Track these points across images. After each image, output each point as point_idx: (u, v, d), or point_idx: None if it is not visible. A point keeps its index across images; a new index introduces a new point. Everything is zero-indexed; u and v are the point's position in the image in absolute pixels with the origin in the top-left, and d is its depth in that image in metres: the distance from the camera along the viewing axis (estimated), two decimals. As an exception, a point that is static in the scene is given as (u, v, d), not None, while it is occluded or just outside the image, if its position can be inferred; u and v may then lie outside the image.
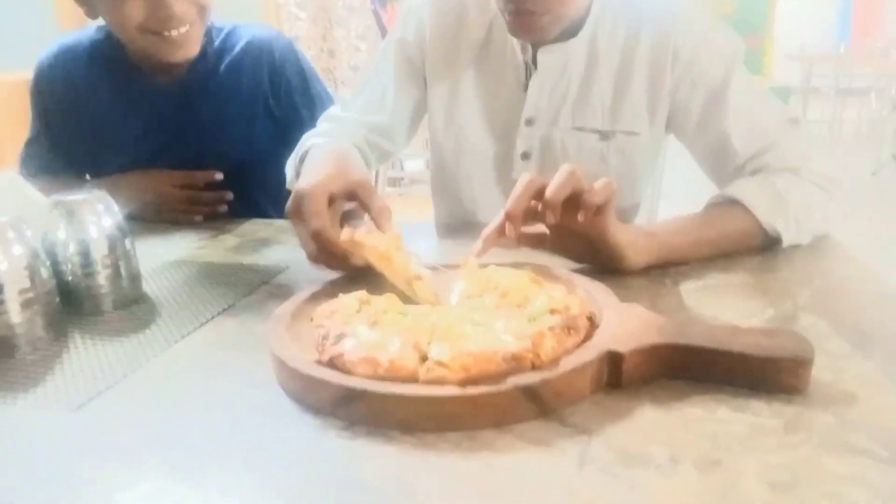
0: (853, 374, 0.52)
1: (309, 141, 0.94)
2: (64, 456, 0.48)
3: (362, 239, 0.66)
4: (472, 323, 0.54)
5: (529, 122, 0.96)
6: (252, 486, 0.43)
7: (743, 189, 0.80)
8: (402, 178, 3.84)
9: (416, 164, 3.95)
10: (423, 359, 0.50)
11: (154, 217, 1.10)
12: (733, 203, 0.79)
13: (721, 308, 0.66)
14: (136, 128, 1.17)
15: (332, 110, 1.06)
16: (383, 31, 5.11)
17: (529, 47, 0.93)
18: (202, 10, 1.06)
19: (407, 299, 0.63)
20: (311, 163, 0.80)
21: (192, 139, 1.16)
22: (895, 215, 4.11)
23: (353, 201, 0.74)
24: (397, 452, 0.46)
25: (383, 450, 0.46)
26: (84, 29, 1.19)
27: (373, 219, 0.71)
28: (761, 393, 0.50)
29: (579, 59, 0.92)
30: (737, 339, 0.52)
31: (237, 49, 1.17)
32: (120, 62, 1.15)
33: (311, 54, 4.72)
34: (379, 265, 0.67)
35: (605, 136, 0.93)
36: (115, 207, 0.75)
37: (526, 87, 0.95)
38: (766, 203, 0.78)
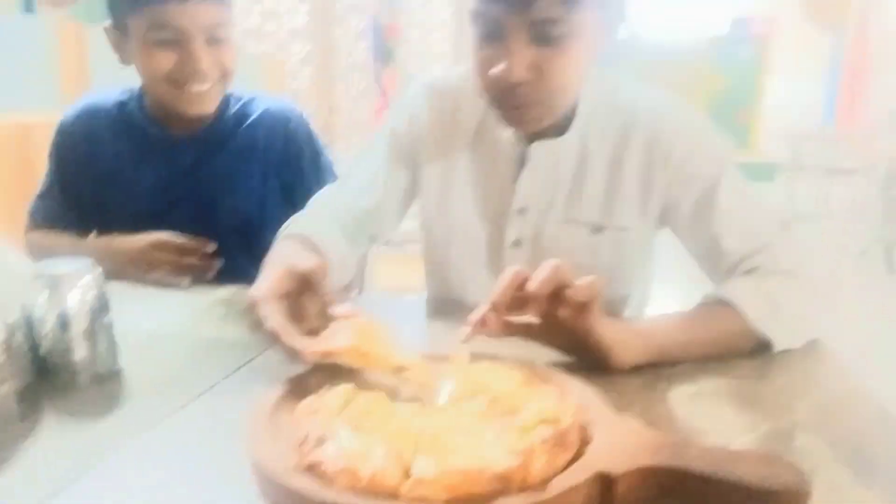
0: (849, 498, 0.51)
1: (288, 225, 0.95)
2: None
3: (330, 349, 0.65)
4: (460, 432, 0.52)
5: (521, 212, 0.96)
6: None
7: (735, 291, 0.79)
8: (397, 239, 3.85)
9: (410, 223, 3.97)
10: (407, 472, 0.48)
11: (140, 278, 1.09)
12: (725, 305, 0.79)
13: (715, 420, 0.64)
14: (150, 179, 1.22)
15: (322, 194, 1.06)
16: (382, 91, 5.21)
17: (523, 140, 0.94)
18: (225, 74, 1.14)
19: (394, 393, 0.61)
20: (266, 266, 0.79)
21: (206, 193, 1.22)
22: (879, 293, 4.15)
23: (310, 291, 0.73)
24: (374, 578, 0.43)
25: (360, 574, 0.43)
26: (108, 90, 1.27)
27: (326, 304, 0.71)
28: (757, 523, 0.48)
29: (570, 154, 0.93)
30: (734, 466, 0.50)
31: (255, 115, 1.25)
32: (140, 120, 1.23)
33: (310, 109, 4.79)
34: (360, 363, 0.65)
35: (596, 229, 0.93)
36: (100, 279, 0.73)
37: (517, 179, 0.95)
38: (758, 307, 0.77)
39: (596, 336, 0.70)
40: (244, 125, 1.24)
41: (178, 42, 1.08)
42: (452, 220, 1.01)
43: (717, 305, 0.79)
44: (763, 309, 0.77)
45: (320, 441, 0.51)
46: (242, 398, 0.66)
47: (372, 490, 0.46)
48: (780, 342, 0.78)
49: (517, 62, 0.79)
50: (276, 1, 4.30)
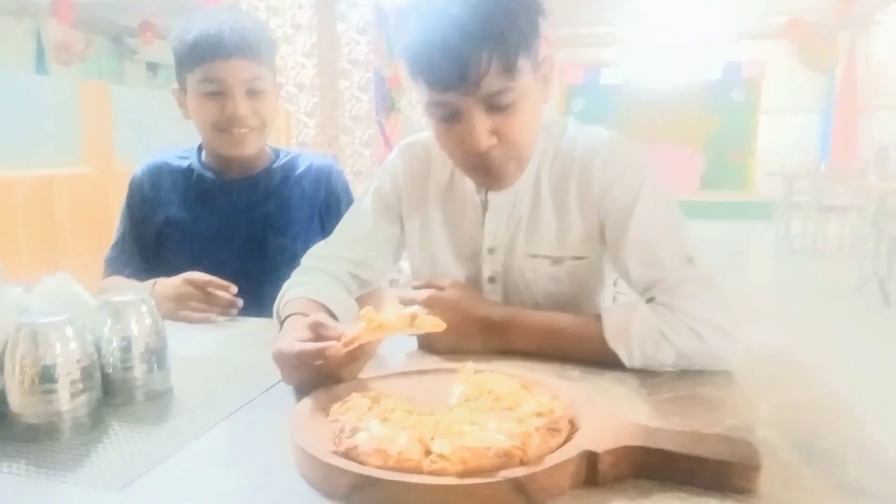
0: (797, 480, 0.61)
1: (288, 288, 1.08)
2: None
3: (351, 335, 0.76)
4: (469, 422, 0.62)
5: (491, 251, 1.08)
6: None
7: (609, 309, 0.92)
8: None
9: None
10: (427, 452, 0.58)
11: (170, 316, 1.20)
12: (599, 318, 0.91)
13: (687, 418, 0.75)
14: (208, 221, 1.41)
15: (317, 248, 1.17)
16: (386, 140, 5.40)
17: (483, 189, 1.06)
18: (263, 121, 1.37)
19: (412, 401, 0.72)
20: (285, 326, 0.95)
21: (258, 232, 1.42)
22: (876, 329, 4.23)
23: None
24: (403, 535, 0.53)
25: (391, 532, 0.53)
26: (171, 150, 1.51)
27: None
28: (717, 493, 0.58)
29: (525, 196, 1.05)
30: (697, 445, 0.60)
31: (302, 168, 1.48)
32: (199, 169, 1.45)
33: (316, 158, 4.95)
34: (380, 335, 0.77)
35: (555, 261, 1.04)
36: (155, 308, 0.85)
37: (483, 222, 1.07)
38: (615, 326, 0.88)
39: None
40: (293, 175, 1.46)
41: (222, 93, 1.31)
42: (435, 263, 1.13)
43: (595, 317, 0.91)
44: (620, 329, 0.88)
45: (354, 431, 0.62)
46: (275, 412, 0.77)
47: (399, 466, 0.57)
48: (627, 360, 0.88)
49: (480, 133, 0.91)
50: (284, 57, 4.51)
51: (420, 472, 0.57)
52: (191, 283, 1.24)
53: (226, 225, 1.42)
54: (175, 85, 1.39)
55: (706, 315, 0.87)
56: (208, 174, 1.44)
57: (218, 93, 1.31)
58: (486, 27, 0.85)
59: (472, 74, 0.86)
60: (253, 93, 1.33)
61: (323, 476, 0.59)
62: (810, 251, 6.66)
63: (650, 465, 0.60)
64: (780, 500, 0.57)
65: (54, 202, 2.59)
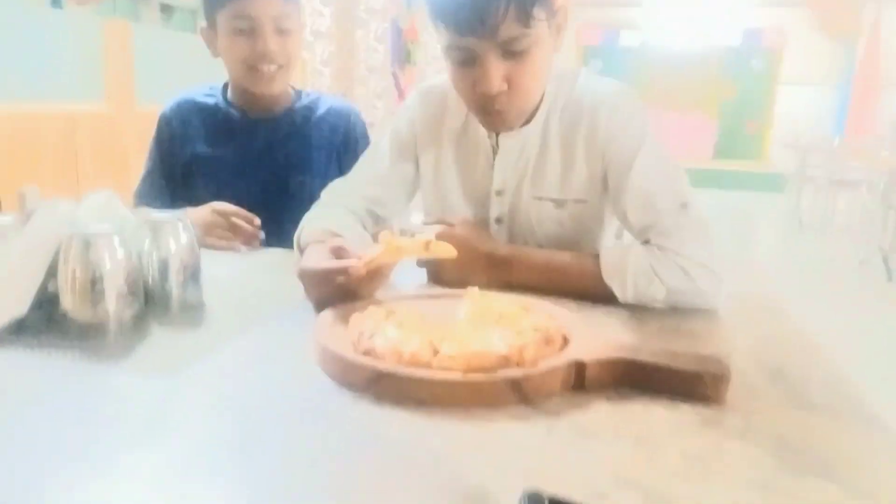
0: (762, 395, 0.69)
1: (309, 220, 1.15)
2: (160, 411, 0.64)
3: (371, 256, 0.84)
4: (474, 332, 0.70)
5: (499, 193, 1.15)
6: (300, 438, 0.59)
7: (607, 249, 1.00)
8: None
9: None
10: (436, 353, 0.66)
11: (202, 242, 1.28)
12: (597, 256, 0.98)
13: (670, 344, 0.82)
14: (232, 157, 1.49)
15: (335, 183, 1.24)
16: (400, 92, 5.41)
17: (494, 134, 1.13)
18: (289, 59, 1.43)
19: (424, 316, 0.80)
20: (307, 251, 1.01)
21: (280, 170, 1.49)
22: (876, 303, 4.30)
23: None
24: (413, 419, 0.61)
25: (402, 416, 0.62)
26: (198, 87, 1.56)
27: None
28: (690, 400, 0.66)
29: (534, 142, 1.11)
30: (673, 359, 0.68)
31: (322, 110, 1.55)
32: (224, 107, 1.51)
33: (331, 108, 4.98)
34: (398, 257, 0.85)
35: (559, 203, 1.12)
36: (191, 227, 0.92)
37: (493, 165, 1.14)
38: (612, 264, 0.96)
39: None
40: (314, 117, 1.53)
41: (252, 30, 1.36)
42: (446, 203, 1.20)
43: (593, 255, 0.99)
44: (615, 267, 0.96)
45: (371, 335, 0.70)
46: (298, 324, 0.85)
47: (412, 363, 0.65)
48: (620, 295, 0.96)
49: (494, 77, 0.97)
50: (301, 5, 4.51)
51: (430, 368, 0.65)
52: (218, 212, 1.32)
53: (249, 162, 1.49)
54: (203, 24, 1.45)
55: (695, 256, 0.94)
56: (233, 112, 1.51)
57: (248, 29, 1.36)
58: None
59: (490, 20, 0.92)
60: (281, 30, 1.38)
61: (343, 371, 0.68)
62: (819, 226, 6.68)
63: (631, 375, 0.68)
64: (743, 410, 0.65)
65: (77, 138, 2.66)
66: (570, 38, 10.76)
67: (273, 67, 1.40)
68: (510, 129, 1.09)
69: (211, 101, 1.53)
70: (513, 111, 1.04)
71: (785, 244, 6.31)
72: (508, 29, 0.93)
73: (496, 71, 0.97)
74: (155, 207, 1.45)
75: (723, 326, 0.92)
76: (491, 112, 1.04)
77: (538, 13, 0.94)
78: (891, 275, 4.66)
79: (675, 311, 0.95)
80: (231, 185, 1.46)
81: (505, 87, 0.98)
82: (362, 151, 1.46)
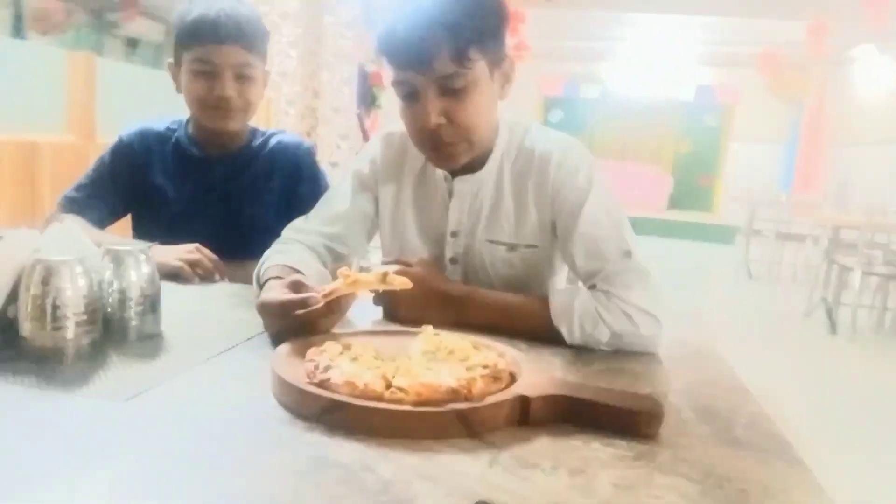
0: (693, 433, 0.73)
1: (269, 256, 1.17)
2: (115, 434, 0.65)
3: (330, 288, 0.88)
4: (426, 367, 0.74)
5: (454, 235, 1.21)
6: (253, 463, 0.61)
7: (556, 292, 1.06)
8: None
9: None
10: (388, 386, 0.69)
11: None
12: (546, 300, 1.04)
13: (612, 384, 0.87)
14: (188, 191, 1.53)
15: (297, 222, 1.28)
16: (364, 134, 5.48)
17: (450, 177, 1.18)
18: (248, 104, 1.49)
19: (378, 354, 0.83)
20: (266, 287, 1.05)
21: (233, 204, 1.55)
22: (819, 354, 4.45)
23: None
24: (364, 447, 0.64)
25: (354, 445, 0.65)
26: (160, 119, 1.61)
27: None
28: (626, 436, 0.70)
29: (487, 187, 1.17)
30: (611, 397, 0.73)
31: (273, 144, 1.60)
32: (184, 142, 1.57)
33: (295, 146, 5.03)
34: (356, 289, 0.89)
35: (511, 247, 1.17)
36: (152, 259, 0.94)
37: (449, 208, 1.20)
38: (560, 307, 1.01)
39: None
40: (266, 151, 1.59)
41: (212, 74, 1.43)
42: (403, 242, 1.25)
43: (543, 298, 1.05)
44: (563, 310, 1.01)
45: (327, 368, 0.73)
46: (256, 356, 0.88)
47: (364, 394, 0.68)
48: (568, 336, 1.01)
49: (431, 111, 1.04)
50: (270, 45, 4.58)
51: (382, 400, 0.68)
52: (200, 252, 1.36)
53: (203, 197, 1.54)
54: (170, 60, 1.50)
55: (638, 302, 1.00)
56: (192, 148, 1.56)
57: (209, 73, 1.43)
58: (442, 16, 0.99)
59: (425, 56, 1.00)
60: (241, 77, 1.45)
61: (298, 400, 0.70)
62: (766, 277, 6.91)
63: (573, 411, 0.72)
64: (675, 445, 0.70)
65: (37, 168, 2.63)
66: (532, 89, 11.10)
67: (230, 111, 1.46)
68: (455, 165, 1.14)
69: (171, 134, 1.58)
70: (457, 148, 1.09)
71: (734, 294, 6.51)
72: (443, 65, 1.00)
73: (433, 106, 1.03)
74: (87, 219, 1.47)
75: (661, 368, 0.97)
76: (437, 148, 1.09)
77: (474, 55, 1.01)
78: (834, 327, 4.84)
79: (618, 353, 1.00)
80: (184, 219, 1.50)
81: (442, 120, 1.04)
82: (310, 183, 1.55)
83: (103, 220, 1.52)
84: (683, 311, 4.74)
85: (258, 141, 1.60)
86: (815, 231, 6.51)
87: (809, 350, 4.52)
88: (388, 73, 1.07)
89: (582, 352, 0.99)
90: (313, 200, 1.36)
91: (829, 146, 9.74)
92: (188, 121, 1.58)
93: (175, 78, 1.51)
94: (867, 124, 9.14)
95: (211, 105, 1.45)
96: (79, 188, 1.55)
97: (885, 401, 3.47)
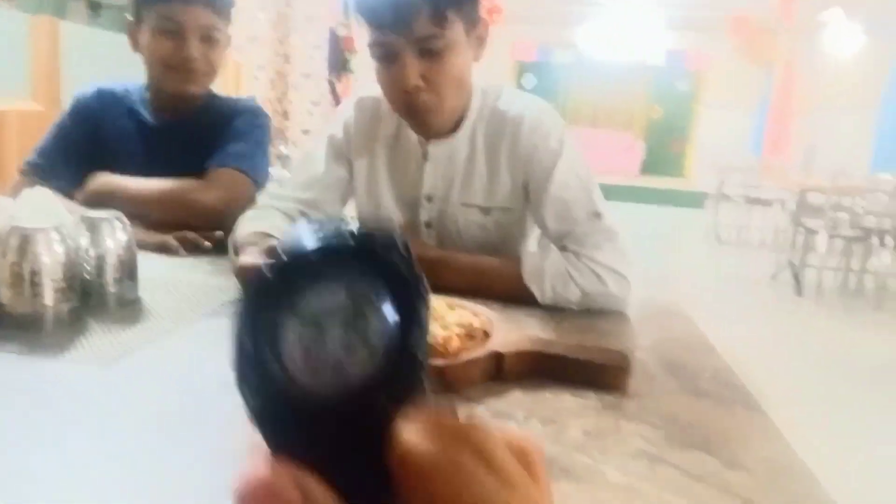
0: (659, 385, 0.77)
1: (244, 223, 1.17)
2: (99, 397, 0.67)
3: None
4: (403, 327, 0.76)
5: (429, 199, 1.22)
6: (241, 418, 0.63)
7: (528, 254, 1.09)
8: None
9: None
10: (367, 346, 0.72)
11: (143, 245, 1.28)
12: (518, 261, 1.07)
13: (582, 341, 0.90)
14: (143, 159, 1.47)
15: (271, 188, 1.29)
16: (336, 100, 5.42)
17: (424, 141, 1.20)
18: (211, 67, 1.44)
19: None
20: (242, 251, 1.05)
21: (191, 172, 1.41)
22: (786, 313, 4.59)
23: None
24: (345, 404, 0.67)
25: (335, 402, 0.67)
26: (118, 81, 1.55)
27: None
28: (595, 388, 0.74)
29: (461, 151, 1.19)
30: (581, 352, 0.76)
31: (226, 110, 1.52)
32: (140, 106, 1.50)
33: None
34: None
35: (485, 211, 1.20)
36: (129, 226, 0.95)
37: (423, 172, 1.21)
38: (531, 268, 1.05)
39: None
40: (221, 118, 1.50)
41: (177, 33, 1.38)
42: (379, 207, 1.26)
43: (515, 260, 1.07)
44: (535, 271, 1.04)
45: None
46: (227, 323, 0.88)
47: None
48: (539, 296, 1.04)
49: (410, 73, 1.04)
50: (238, 8, 4.48)
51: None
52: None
53: (159, 166, 1.45)
54: (130, 18, 1.43)
55: (607, 262, 1.03)
56: (148, 115, 1.50)
57: (173, 32, 1.38)
58: None
59: (404, 16, 1.00)
60: (207, 39, 1.41)
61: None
62: (735, 241, 7.05)
63: (545, 366, 0.75)
64: (642, 396, 0.73)
65: (2, 137, 2.58)
66: (505, 54, 11.03)
67: (193, 74, 1.41)
68: (435, 130, 1.15)
69: (128, 97, 1.52)
70: (435, 111, 1.10)
71: (703, 258, 6.64)
72: (423, 26, 1.01)
73: (412, 67, 1.04)
74: (51, 185, 1.37)
75: (629, 326, 1.01)
76: (413, 110, 1.10)
77: (452, 16, 1.02)
78: (800, 289, 4.98)
79: (588, 312, 1.03)
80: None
81: (421, 83, 1.05)
82: (245, 133, 1.48)
83: (69, 185, 1.45)
84: (653, 274, 4.84)
85: (216, 108, 1.53)
86: (782, 195, 6.65)
87: (776, 311, 4.65)
88: (364, 35, 1.06)
89: (553, 311, 1.03)
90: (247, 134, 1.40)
91: (799, 111, 9.87)
92: (146, 86, 1.51)
93: (133, 36, 1.44)
94: (835, 89, 9.28)
95: (174, 66, 1.40)
96: (41, 153, 1.50)
97: (848, 359, 3.59)
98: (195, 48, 1.39)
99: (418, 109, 1.09)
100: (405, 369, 0.19)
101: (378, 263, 0.19)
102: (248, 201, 1.40)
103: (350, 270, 0.19)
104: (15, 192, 1.43)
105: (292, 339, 0.20)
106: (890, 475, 2.28)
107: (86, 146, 1.49)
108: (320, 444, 0.19)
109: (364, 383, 0.19)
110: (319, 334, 0.19)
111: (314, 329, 0.19)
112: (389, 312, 0.19)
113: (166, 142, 1.49)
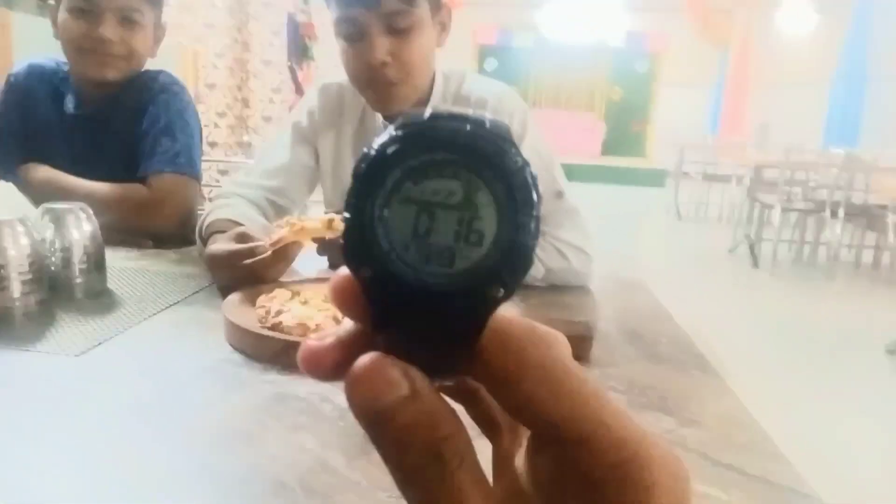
0: (620, 353, 0.81)
1: (210, 211, 1.16)
2: (73, 385, 0.68)
3: (277, 236, 0.90)
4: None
5: None
6: (214, 401, 0.65)
7: None
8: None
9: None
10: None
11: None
12: None
13: (547, 314, 0.94)
14: (64, 146, 1.39)
15: (237, 176, 1.28)
16: (297, 87, 5.37)
17: (389, 125, 1.20)
18: (131, 52, 1.36)
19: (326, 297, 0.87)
20: (214, 239, 1.04)
21: (104, 164, 1.37)
22: (743, 285, 4.72)
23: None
24: (319, 382, 0.68)
25: (310, 381, 0.69)
26: (49, 58, 1.44)
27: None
28: (559, 359, 0.77)
29: None
30: (546, 324, 0.79)
31: (138, 93, 1.41)
32: (66, 91, 1.41)
33: (225, 102, 4.89)
34: (303, 237, 0.91)
35: None
36: (93, 218, 0.95)
37: None
38: None
39: None
40: (131, 101, 1.40)
41: (92, 13, 1.30)
42: (345, 192, 1.26)
43: None
44: None
45: (279, 312, 0.76)
46: (205, 307, 0.90)
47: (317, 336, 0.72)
48: None
49: (377, 48, 1.06)
50: (194, -6, 4.40)
51: (333, 338, 0.72)
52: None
53: (79, 156, 1.39)
54: (52, 1, 1.36)
55: (569, 239, 1.06)
56: (69, 100, 1.41)
57: (88, 12, 1.30)
58: None
59: None
60: (127, 21, 1.33)
61: (253, 345, 0.74)
62: (694, 217, 7.20)
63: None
64: (604, 364, 0.77)
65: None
66: (466, 38, 11.01)
67: (109, 56, 1.33)
68: (398, 106, 1.15)
69: (56, 76, 1.43)
70: (399, 88, 1.11)
71: (664, 234, 6.78)
72: (391, 2, 1.03)
73: (380, 43, 1.05)
74: None
75: (592, 300, 1.05)
76: (378, 85, 1.11)
77: None
78: (756, 261, 5.12)
79: (553, 287, 1.07)
80: (61, 166, 1.36)
81: (389, 59, 1.07)
82: (170, 131, 1.39)
83: (8, 172, 1.37)
84: (616, 251, 4.93)
85: (130, 94, 1.41)
86: (739, 171, 6.80)
87: (734, 284, 4.78)
88: (330, 12, 1.07)
89: (520, 288, 1.05)
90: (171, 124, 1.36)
91: (754, 88, 10.07)
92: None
93: (53, 20, 1.35)
94: (789, 67, 9.49)
95: (87, 48, 1.31)
96: None
97: (802, 327, 3.72)
98: (110, 30, 1.31)
99: (383, 83, 1.10)
100: (514, 262, 0.19)
101: (488, 151, 0.19)
102: (194, 199, 1.41)
103: (462, 156, 0.19)
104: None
105: (401, 222, 0.19)
106: (836, 433, 2.39)
107: (19, 130, 1.42)
108: (420, 322, 0.19)
109: (472, 272, 0.19)
110: (431, 220, 0.19)
111: (426, 215, 0.19)
112: (500, 201, 0.19)
113: (86, 133, 1.40)
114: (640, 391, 0.70)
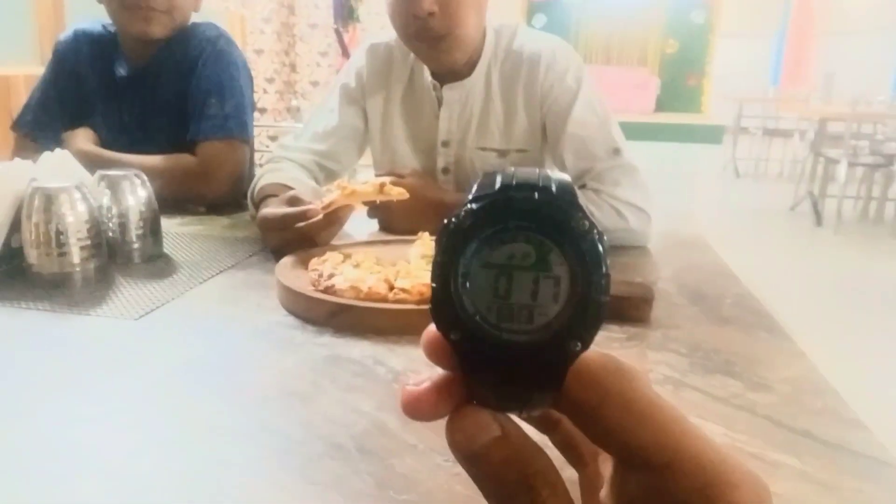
0: (682, 314, 0.77)
1: (261, 176, 1.16)
2: (133, 346, 0.69)
3: (328, 200, 0.90)
4: (425, 270, 0.77)
5: (445, 144, 1.21)
6: (270, 361, 0.65)
7: None
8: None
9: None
10: (391, 289, 0.73)
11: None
12: None
13: (605, 275, 0.91)
14: (114, 109, 1.41)
15: (287, 140, 1.28)
16: (344, 50, 5.34)
17: (438, 85, 1.18)
18: (171, 7, 1.34)
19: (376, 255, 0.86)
20: (266, 203, 1.04)
21: (175, 122, 1.38)
22: (805, 244, 4.55)
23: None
24: (373, 344, 0.68)
25: (363, 343, 0.68)
26: (95, 21, 1.45)
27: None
28: (620, 322, 0.74)
29: (477, 93, 1.17)
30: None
31: (191, 44, 1.40)
32: (112, 53, 1.41)
33: (273, 67, 4.91)
34: (354, 200, 0.90)
35: (501, 153, 1.19)
36: (148, 184, 0.96)
37: (438, 117, 1.19)
38: None
39: None
40: (189, 56, 1.39)
41: None
42: (394, 154, 1.25)
43: None
44: None
45: (331, 276, 0.75)
46: (259, 270, 0.91)
47: (369, 297, 0.71)
48: None
49: None
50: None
51: (386, 301, 0.71)
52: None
53: (129, 117, 1.41)
54: None
55: (627, 198, 1.02)
56: (118, 61, 1.41)
57: None
58: None
59: None
60: None
61: (306, 307, 0.73)
62: (753, 174, 6.95)
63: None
64: (666, 326, 0.74)
65: (13, 102, 2.58)
66: (513, -7, 10.76)
67: (150, 10, 1.32)
68: (450, 62, 1.13)
69: (103, 40, 1.43)
70: (446, 41, 1.08)
71: (721, 193, 6.56)
72: None
73: None
74: (41, 140, 1.37)
75: (651, 259, 1.01)
76: (426, 38, 1.08)
77: None
78: (819, 219, 4.92)
79: (611, 248, 1.03)
80: (122, 144, 1.36)
81: (435, 8, 1.03)
82: (219, 93, 1.37)
83: (56, 140, 1.35)
84: (673, 209, 4.79)
85: (176, 49, 1.39)
86: (801, 125, 6.50)
87: (796, 242, 4.61)
88: None
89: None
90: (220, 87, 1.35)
91: (818, 36, 9.56)
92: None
93: None
94: (855, 12, 8.95)
95: (129, 4, 1.30)
96: (27, 109, 1.44)
97: (868, 286, 3.57)
98: None
99: (431, 36, 1.07)
100: (589, 317, 0.21)
101: (557, 219, 0.20)
102: (245, 163, 1.40)
103: (533, 223, 0.21)
104: (17, 152, 1.41)
105: (482, 285, 0.21)
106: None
107: (67, 98, 1.42)
108: (505, 373, 0.21)
109: (550, 327, 0.21)
110: (509, 282, 0.21)
111: (504, 277, 0.21)
112: (571, 261, 0.20)
113: (135, 96, 1.40)
114: (705, 354, 0.67)
